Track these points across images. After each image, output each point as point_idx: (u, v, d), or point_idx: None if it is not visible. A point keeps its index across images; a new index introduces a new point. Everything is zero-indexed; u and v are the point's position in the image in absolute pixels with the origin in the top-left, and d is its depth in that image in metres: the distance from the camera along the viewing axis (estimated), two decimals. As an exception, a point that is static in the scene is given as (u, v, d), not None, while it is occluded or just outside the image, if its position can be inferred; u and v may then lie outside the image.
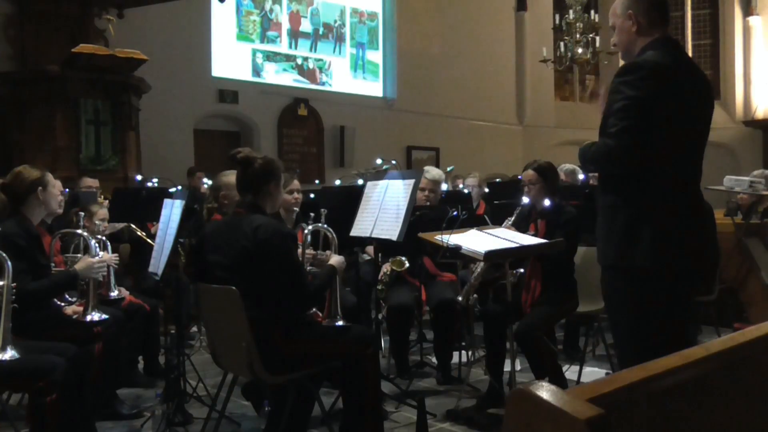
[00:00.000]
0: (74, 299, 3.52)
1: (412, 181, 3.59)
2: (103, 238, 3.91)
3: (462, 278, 4.50)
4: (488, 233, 3.43)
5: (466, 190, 6.26)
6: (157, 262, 3.56)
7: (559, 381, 3.50)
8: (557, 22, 11.49)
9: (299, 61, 11.68)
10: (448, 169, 7.35)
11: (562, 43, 11.17)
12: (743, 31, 14.58)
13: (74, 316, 3.38)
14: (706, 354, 1.19)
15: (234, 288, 2.70)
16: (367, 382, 2.98)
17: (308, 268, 3.31)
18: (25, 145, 6.81)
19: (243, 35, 11.00)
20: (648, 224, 2.30)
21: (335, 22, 12.19)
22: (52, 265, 3.41)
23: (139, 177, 6.80)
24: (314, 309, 3.37)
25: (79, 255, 3.54)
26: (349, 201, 4.13)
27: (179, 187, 4.63)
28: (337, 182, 7.72)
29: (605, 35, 10.36)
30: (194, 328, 5.42)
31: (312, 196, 5.22)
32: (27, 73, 7.31)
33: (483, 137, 13.36)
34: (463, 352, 4.58)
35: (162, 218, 3.68)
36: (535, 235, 3.65)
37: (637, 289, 2.33)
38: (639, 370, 1.08)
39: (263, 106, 10.80)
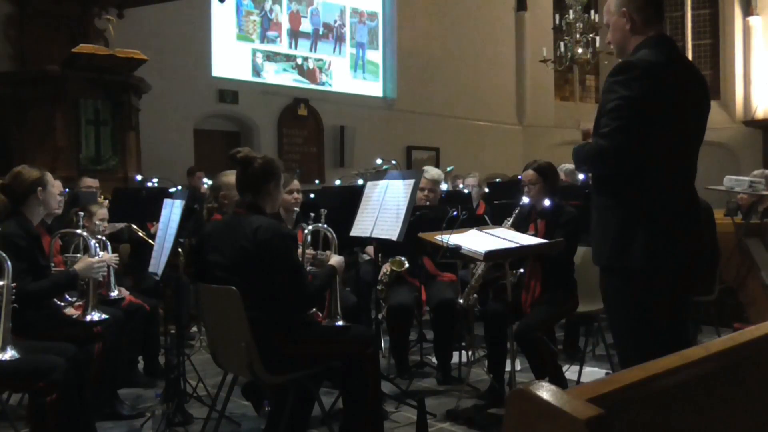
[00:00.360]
0: (74, 299, 3.52)
1: (412, 181, 3.59)
2: (103, 238, 3.91)
3: (462, 278, 4.50)
4: (488, 233, 3.43)
5: (466, 190, 6.26)
6: (157, 262, 3.56)
7: (559, 381, 3.50)
8: (557, 22, 11.49)
9: (299, 61, 11.68)
10: (448, 169, 7.36)
11: (562, 43, 11.17)
12: (743, 31, 14.58)
13: (74, 316, 3.38)
14: (706, 354, 1.19)
15: (234, 288, 2.70)
16: (367, 382, 2.98)
17: (308, 268, 3.31)
18: (25, 145, 6.80)
19: (243, 35, 11.01)
20: (641, 225, 2.29)
21: (335, 22, 12.20)
22: (52, 265, 3.41)
23: (139, 177, 6.80)
24: (314, 309, 3.37)
25: (79, 255, 3.54)
26: (349, 201, 4.13)
27: (179, 187, 4.63)
28: (337, 182, 7.72)
29: (605, 35, 10.37)
30: (194, 328, 5.42)
31: (312, 196, 5.22)
32: (27, 73, 7.31)
33: (483, 137, 13.36)
34: (463, 352, 4.58)
35: (162, 218, 3.68)
36: (535, 235, 3.65)
37: (633, 290, 2.32)
38: (639, 370, 1.08)
39: (263, 106, 10.81)
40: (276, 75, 11.33)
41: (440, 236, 3.21)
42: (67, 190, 4.59)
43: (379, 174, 4.86)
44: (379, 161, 6.14)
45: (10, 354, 2.67)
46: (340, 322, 3.29)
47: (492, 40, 13.75)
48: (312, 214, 3.49)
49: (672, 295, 2.33)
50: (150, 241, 4.26)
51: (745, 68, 14.59)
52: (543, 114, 14.56)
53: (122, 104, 7.14)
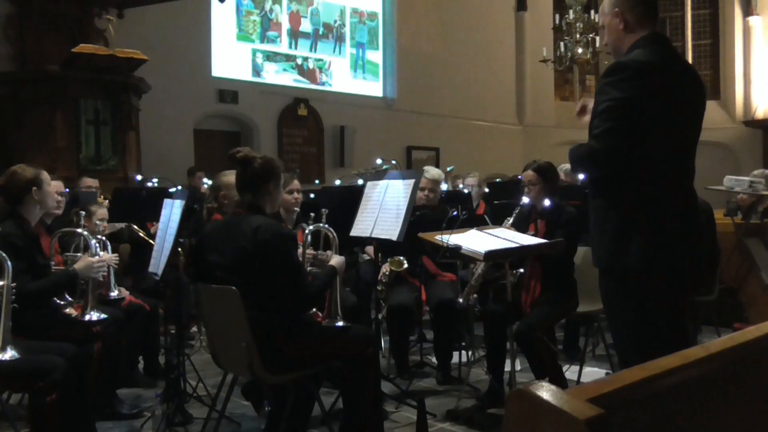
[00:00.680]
0: (74, 299, 3.52)
1: (412, 181, 3.59)
2: (103, 238, 3.91)
3: (462, 278, 4.50)
4: (488, 233, 3.43)
5: (466, 190, 6.26)
6: (157, 262, 3.55)
7: (559, 381, 3.50)
8: (557, 22, 11.49)
9: (299, 61, 11.68)
10: (448, 169, 7.35)
11: (562, 43, 11.17)
12: (743, 31, 14.58)
13: (73, 316, 3.38)
14: (706, 354, 1.19)
15: (234, 288, 2.70)
16: (367, 382, 2.98)
17: (308, 268, 3.31)
18: (25, 145, 6.80)
19: (243, 35, 11.00)
20: (638, 226, 2.28)
21: (335, 22, 12.19)
22: (52, 264, 3.41)
23: (139, 177, 6.81)
24: (314, 309, 3.37)
25: (78, 254, 3.54)
26: (349, 201, 4.13)
27: (179, 187, 4.63)
28: (337, 182, 7.72)
29: (604, 35, 10.35)
30: (194, 328, 5.42)
31: (312, 196, 5.22)
32: (27, 73, 7.31)
33: (483, 137, 13.36)
34: (463, 352, 4.58)
35: (162, 218, 3.68)
36: (535, 235, 3.65)
37: (632, 291, 2.32)
38: (639, 370, 1.08)
39: (263, 106, 10.81)
40: (276, 75, 11.33)
41: (440, 236, 3.21)
42: (67, 190, 4.59)
43: (379, 174, 4.86)
44: (379, 161, 6.15)
45: (10, 354, 2.67)
46: (340, 323, 3.28)
47: (492, 40, 13.75)
48: (312, 214, 3.49)
49: (670, 297, 2.32)
50: (150, 241, 4.26)
51: (745, 68, 14.58)
52: (543, 114, 14.55)
53: (122, 104, 7.14)
